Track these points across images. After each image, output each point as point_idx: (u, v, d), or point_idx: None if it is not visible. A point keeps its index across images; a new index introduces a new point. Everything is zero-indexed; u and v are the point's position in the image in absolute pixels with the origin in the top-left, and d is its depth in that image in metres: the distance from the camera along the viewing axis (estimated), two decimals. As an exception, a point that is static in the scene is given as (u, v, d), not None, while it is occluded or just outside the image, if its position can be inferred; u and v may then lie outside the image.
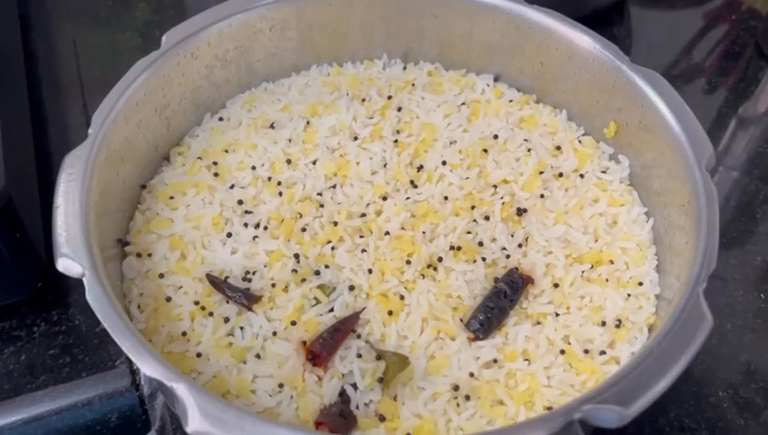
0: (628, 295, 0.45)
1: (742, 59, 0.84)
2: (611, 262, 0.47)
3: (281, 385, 0.40)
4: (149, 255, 0.46)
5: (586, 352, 0.43)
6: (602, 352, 0.43)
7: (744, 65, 0.83)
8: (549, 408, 0.40)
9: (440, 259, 0.46)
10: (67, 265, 0.38)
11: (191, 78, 0.52)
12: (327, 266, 0.46)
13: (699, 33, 0.86)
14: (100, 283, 0.37)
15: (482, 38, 0.57)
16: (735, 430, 0.48)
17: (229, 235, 0.47)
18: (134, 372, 0.50)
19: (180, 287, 0.44)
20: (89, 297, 0.36)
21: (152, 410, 0.50)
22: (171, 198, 0.49)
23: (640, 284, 0.46)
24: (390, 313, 0.44)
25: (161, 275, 0.45)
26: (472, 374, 0.41)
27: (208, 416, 0.33)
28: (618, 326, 0.44)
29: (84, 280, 0.37)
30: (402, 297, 0.44)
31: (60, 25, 0.75)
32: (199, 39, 0.51)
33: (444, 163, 0.51)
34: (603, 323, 0.44)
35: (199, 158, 0.51)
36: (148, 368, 0.34)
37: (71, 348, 0.51)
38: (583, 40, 0.52)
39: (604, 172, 0.52)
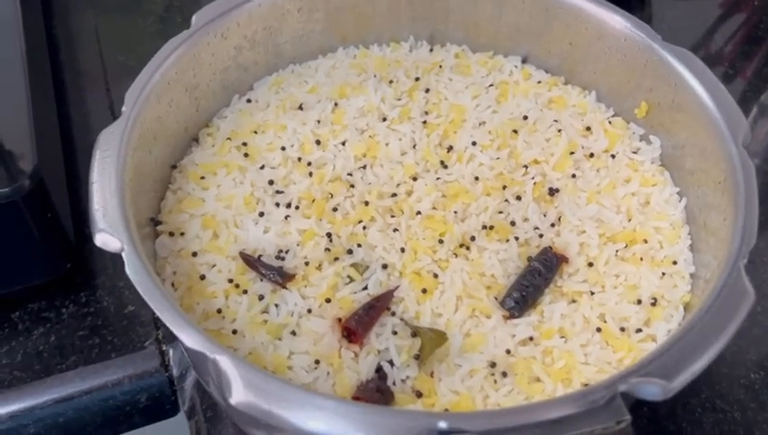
0: (663, 274, 0.45)
1: (764, 45, 0.83)
2: (645, 241, 0.46)
3: (317, 361, 0.40)
4: (182, 234, 0.46)
5: (622, 329, 0.42)
6: (638, 330, 0.42)
7: (766, 52, 0.82)
8: (586, 385, 0.40)
9: (473, 238, 0.46)
10: (105, 239, 0.38)
11: (220, 58, 0.52)
12: (359, 245, 0.45)
13: (719, 19, 0.86)
14: (139, 257, 0.37)
15: (509, 19, 0.56)
16: (767, 411, 0.48)
17: (261, 214, 0.47)
18: (163, 353, 0.50)
19: (214, 266, 0.44)
20: (128, 271, 0.36)
21: (181, 391, 0.50)
22: (202, 177, 0.49)
23: (675, 262, 0.46)
24: (424, 291, 0.43)
25: (194, 254, 0.45)
26: (508, 351, 0.41)
27: (252, 387, 0.32)
28: (653, 305, 0.44)
29: (123, 254, 0.37)
30: (436, 276, 0.44)
31: (81, 11, 0.75)
32: (229, 19, 0.51)
33: (474, 144, 0.51)
34: (639, 302, 0.44)
35: (228, 139, 0.51)
36: (190, 340, 0.34)
37: (99, 329, 0.52)
38: (614, 19, 0.52)
39: (635, 153, 0.52)
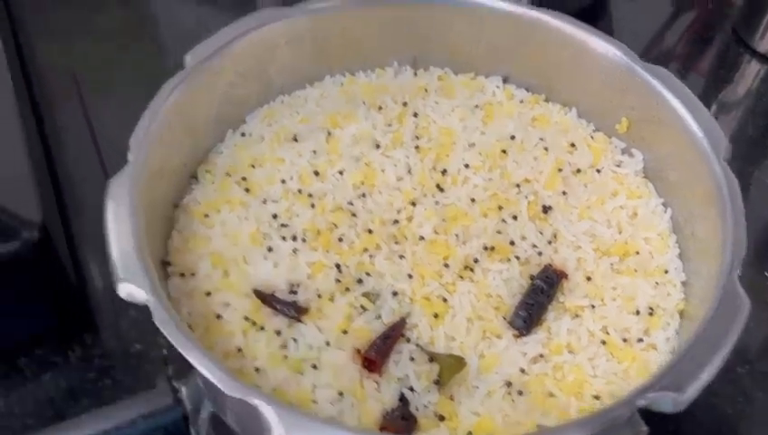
0: (656, 283, 0.48)
1: (715, 44, 0.87)
2: (637, 253, 0.49)
3: (341, 393, 0.41)
4: (192, 274, 0.47)
5: (624, 340, 0.45)
6: (640, 340, 0.45)
7: (719, 51, 0.86)
8: (597, 397, 0.42)
9: (476, 260, 0.48)
10: (130, 291, 0.38)
11: (214, 95, 0.52)
12: (368, 274, 0.47)
13: (672, 17, 0.90)
14: (165, 306, 0.38)
15: (489, 41, 0.58)
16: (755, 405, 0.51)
17: (270, 249, 0.48)
18: (175, 389, 0.51)
19: (228, 304, 0.45)
20: (157, 322, 0.37)
21: (196, 426, 0.51)
22: (206, 215, 0.49)
23: (666, 272, 0.48)
24: (436, 315, 0.45)
25: (208, 294, 0.45)
26: (522, 370, 0.43)
27: (295, 429, 0.34)
28: (651, 314, 0.46)
29: (149, 305, 0.38)
30: (445, 300, 0.46)
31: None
32: (222, 57, 0.51)
33: (467, 166, 0.53)
34: (637, 312, 0.46)
35: (228, 174, 0.52)
36: (230, 388, 0.35)
37: (108, 370, 0.52)
38: (592, 41, 0.54)
39: (618, 166, 0.54)
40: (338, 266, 0.47)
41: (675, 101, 0.50)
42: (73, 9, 0.79)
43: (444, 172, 0.53)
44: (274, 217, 0.50)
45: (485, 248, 0.49)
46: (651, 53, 0.84)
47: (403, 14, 0.57)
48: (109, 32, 0.78)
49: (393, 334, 0.44)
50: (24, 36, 0.72)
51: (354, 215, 0.50)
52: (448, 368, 0.42)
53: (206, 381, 0.36)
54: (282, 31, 0.54)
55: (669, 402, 0.36)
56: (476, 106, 0.58)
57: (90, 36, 0.77)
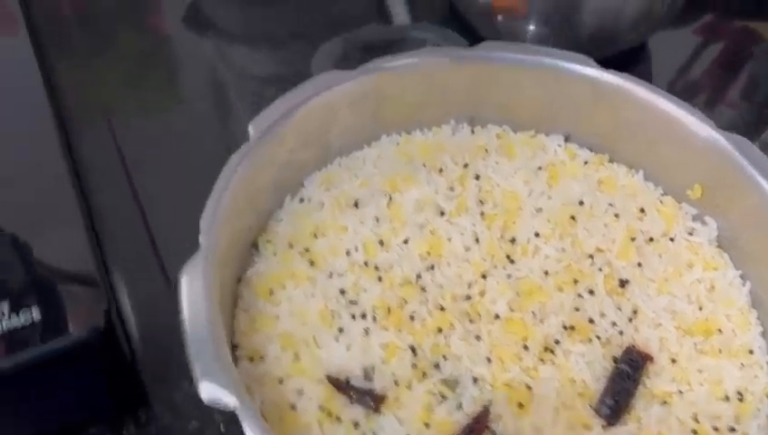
0: (742, 365, 0.46)
1: (743, 75, 0.86)
2: (720, 331, 0.47)
3: (428, 492, 0.40)
4: (261, 357, 0.45)
5: (716, 429, 0.43)
6: (732, 429, 0.43)
7: (748, 82, 0.85)
8: (693, 492, 0.41)
9: (557, 342, 0.46)
10: (213, 394, 0.36)
11: (277, 163, 0.50)
12: (445, 358, 0.45)
13: (698, 49, 0.88)
14: (255, 413, 0.36)
15: (552, 99, 0.57)
16: None
17: (341, 330, 0.46)
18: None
19: (302, 392, 0.43)
20: (249, 432, 0.35)
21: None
22: (271, 292, 0.48)
23: (750, 352, 0.47)
24: (520, 405, 0.43)
25: (280, 381, 0.43)
26: (616, 464, 0.41)
27: None
28: (740, 400, 0.44)
29: (238, 412, 0.36)
30: (529, 387, 0.44)
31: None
32: (285, 125, 0.49)
33: (537, 235, 0.51)
34: (726, 398, 0.44)
35: (290, 245, 0.50)
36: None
37: (165, 449, 0.50)
38: (664, 104, 0.52)
39: (691, 234, 0.52)
40: (412, 349, 0.45)
41: (752, 170, 0.49)
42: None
43: (513, 241, 0.51)
44: (342, 292, 0.48)
45: (565, 328, 0.47)
46: (677, 86, 0.83)
47: (466, 74, 0.56)
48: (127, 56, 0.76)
49: (477, 427, 0.42)
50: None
51: (424, 289, 0.48)
52: (542, 466, 0.40)
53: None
54: (344, 94, 0.52)
55: None
56: (539, 168, 0.56)
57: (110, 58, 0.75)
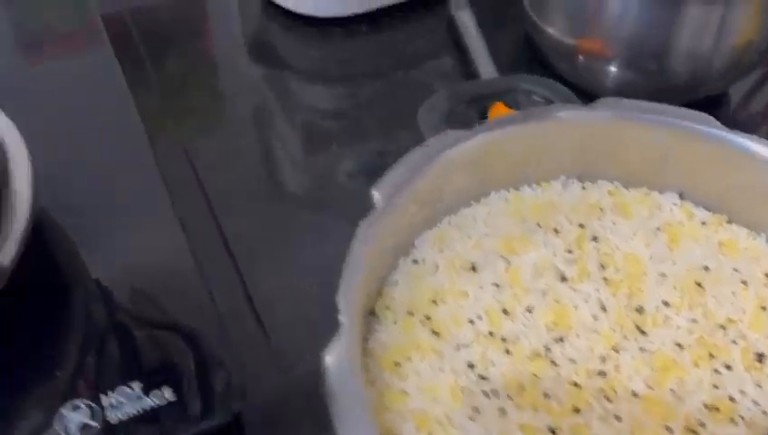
0: None
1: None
2: None
3: None
4: (396, 438, 0.42)
5: None
6: None
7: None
8: None
9: (702, 425, 0.44)
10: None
11: (395, 228, 0.48)
12: (588, 441, 0.43)
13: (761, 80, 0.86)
14: None
15: (667, 157, 0.55)
16: None
17: (476, 410, 0.43)
18: None
19: (444, 480, 0.41)
20: None
21: None
22: (397, 364, 0.45)
23: None
24: (675, 495, 0.41)
25: (420, 469, 0.41)
26: None
27: None
28: None
29: None
30: (680, 475, 0.42)
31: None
32: (408, 190, 0.48)
33: (666, 304, 0.49)
34: None
35: (410, 313, 0.48)
36: None
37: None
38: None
39: (823, 303, 0.50)
40: (552, 431, 0.43)
41: None
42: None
43: (640, 310, 0.49)
44: (470, 366, 0.45)
45: (706, 407, 0.44)
46: (739, 117, 0.81)
47: (583, 131, 0.54)
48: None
49: None
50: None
51: (554, 363, 0.46)
52: None
53: None
54: (461, 155, 0.51)
55: None
56: (658, 228, 0.54)
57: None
